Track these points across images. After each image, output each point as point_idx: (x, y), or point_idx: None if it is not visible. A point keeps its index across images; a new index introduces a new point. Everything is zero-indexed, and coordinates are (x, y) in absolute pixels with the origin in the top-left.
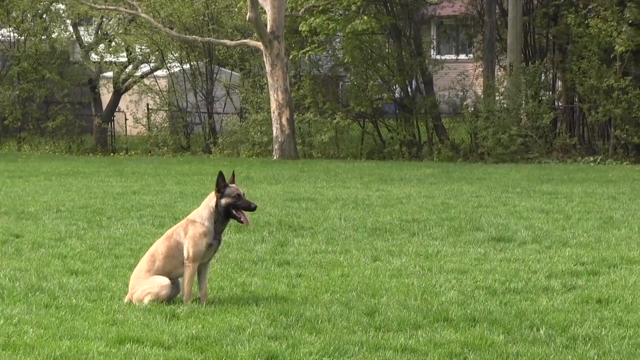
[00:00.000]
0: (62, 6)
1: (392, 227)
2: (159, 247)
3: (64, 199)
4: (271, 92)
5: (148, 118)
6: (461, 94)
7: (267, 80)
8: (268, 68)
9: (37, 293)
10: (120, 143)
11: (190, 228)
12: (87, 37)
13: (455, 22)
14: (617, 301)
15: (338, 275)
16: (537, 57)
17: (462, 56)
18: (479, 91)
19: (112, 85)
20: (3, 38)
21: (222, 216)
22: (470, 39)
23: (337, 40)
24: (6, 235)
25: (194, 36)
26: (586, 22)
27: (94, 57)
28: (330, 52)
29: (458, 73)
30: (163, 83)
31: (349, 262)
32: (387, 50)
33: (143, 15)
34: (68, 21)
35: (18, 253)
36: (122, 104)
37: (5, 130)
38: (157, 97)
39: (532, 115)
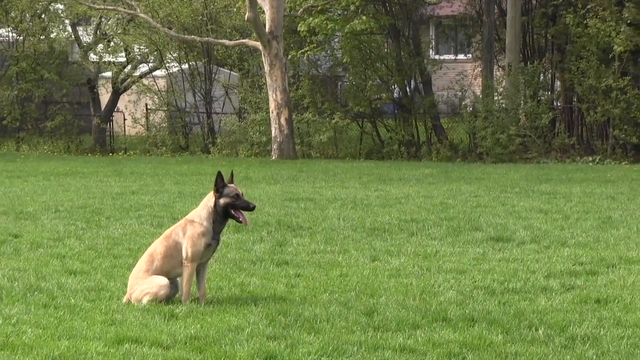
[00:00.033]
0: (60, 6)
1: (391, 227)
2: (157, 247)
3: (62, 199)
4: (270, 92)
5: (147, 118)
6: (460, 94)
7: (265, 80)
8: (267, 68)
9: (36, 293)
10: (118, 143)
11: (189, 228)
12: (86, 37)
13: (454, 22)
14: (616, 301)
15: (337, 275)
16: (536, 57)
17: (461, 56)
18: (478, 91)
19: (110, 85)
20: (1, 38)
21: (221, 216)
22: (469, 39)
23: (336, 40)
24: (5, 235)
25: (192, 36)
26: (585, 22)
27: (92, 57)
28: (328, 52)
29: (457, 73)
30: (162, 83)
31: (348, 262)
32: (385, 50)
33: (142, 15)
34: (67, 21)
35: (17, 253)
36: (121, 104)
37: (4, 130)
38: (155, 97)
39: (531, 115)
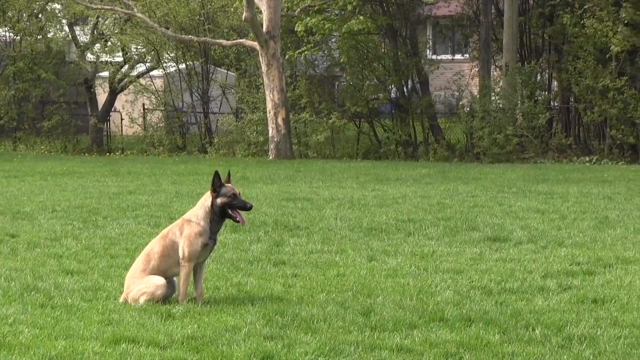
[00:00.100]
0: (57, 6)
1: (388, 227)
2: (154, 246)
3: (59, 199)
4: (267, 92)
5: (144, 118)
6: (457, 94)
7: (263, 80)
8: (264, 68)
9: (33, 293)
10: (116, 143)
11: (186, 227)
12: (83, 36)
13: (451, 22)
14: (613, 301)
15: (334, 275)
16: (533, 57)
17: (458, 56)
18: (475, 91)
19: (107, 85)
20: None
21: (218, 216)
22: (466, 39)
23: (333, 40)
24: (2, 235)
25: (189, 36)
26: (582, 22)
27: (89, 56)
28: (326, 52)
29: (454, 73)
30: (159, 83)
31: (345, 262)
32: (383, 50)
33: (139, 15)
34: (64, 21)
35: (13, 253)
36: (118, 103)
37: (1, 130)
38: (153, 97)
39: (528, 115)
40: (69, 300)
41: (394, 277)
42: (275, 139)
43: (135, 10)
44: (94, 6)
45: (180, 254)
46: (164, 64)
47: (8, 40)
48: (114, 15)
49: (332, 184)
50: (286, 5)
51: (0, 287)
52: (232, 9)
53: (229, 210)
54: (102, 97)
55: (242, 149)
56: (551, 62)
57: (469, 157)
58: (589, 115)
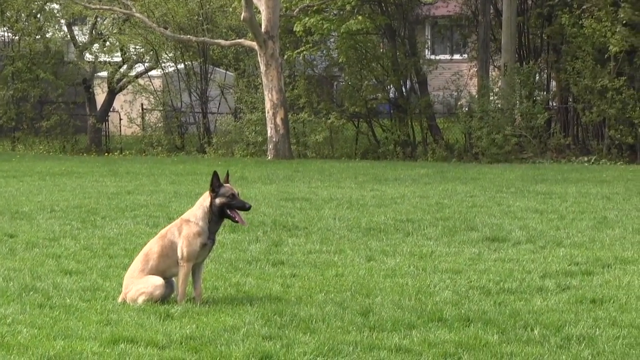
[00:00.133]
0: (56, 6)
1: (387, 227)
2: (153, 246)
3: (58, 199)
4: (265, 92)
5: (142, 118)
6: (455, 94)
7: (261, 80)
8: (262, 68)
9: (31, 293)
10: (114, 143)
11: (185, 228)
12: (82, 36)
13: (450, 22)
14: (611, 301)
15: (332, 275)
16: (532, 57)
17: (457, 56)
18: (474, 91)
19: (106, 85)
20: None
21: (217, 216)
22: (465, 39)
23: (332, 40)
24: (0, 235)
25: (188, 36)
26: (580, 22)
27: (88, 56)
28: (324, 52)
29: (452, 73)
30: (157, 83)
31: (343, 262)
32: (381, 50)
33: (137, 15)
34: (62, 21)
35: (12, 253)
36: (117, 103)
37: (0, 130)
38: (151, 97)
39: (527, 115)
40: (68, 300)
41: (393, 277)
42: (274, 139)
43: (134, 10)
44: (93, 6)
45: (179, 254)
46: (163, 64)
47: (6, 40)
48: (112, 15)
49: (331, 184)
50: (285, 5)
51: None
52: (230, 9)
53: (228, 211)
54: (100, 97)
55: (240, 149)
56: (550, 62)
57: (468, 157)
58: (587, 116)
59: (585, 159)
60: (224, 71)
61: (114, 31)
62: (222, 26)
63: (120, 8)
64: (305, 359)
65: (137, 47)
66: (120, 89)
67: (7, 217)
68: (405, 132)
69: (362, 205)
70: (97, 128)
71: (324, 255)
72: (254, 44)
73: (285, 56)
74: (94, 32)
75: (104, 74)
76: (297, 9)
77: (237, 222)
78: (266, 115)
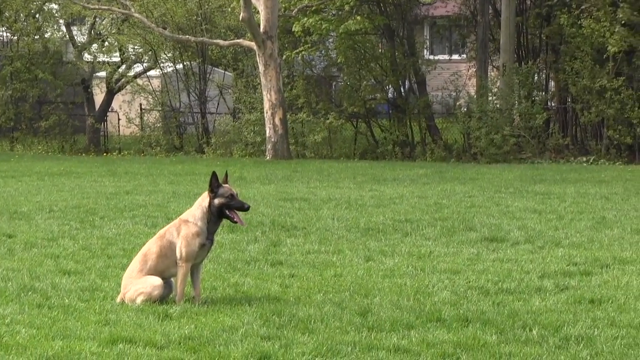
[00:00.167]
0: (55, 6)
1: (385, 227)
2: (151, 247)
3: (56, 199)
4: (264, 92)
5: (141, 118)
6: (454, 94)
7: (260, 80)
8: (261, 68)
9: (30, 293)
10: (113, 143)
11: (183, 228)
12: (80, 37)
13: (449, 23)
14: (610, 301)
15: (331, 275)
16: (530, 58)
17: (455, 56)
18: (472, 91)
19: (105, 85)
20: None
21: (215, 216)
22: (464, 39)
23: (330, 40)
24: None
25: (187, 36)
26: (579, 22)
27: (87, 57)
28: (323, 52)
29: (451, 73)
30: (156, 83)
31: (342, 262)
32: (380, 50)
33: (136, 15)
34: (61, 21)
35: (11, 253)
36: (115, 103)
37: None
38: (150, 97)
39: (525, 115)
40: (66, 300)
41: (391, 277)
42: (273, 139)
43: (133, 10)
44: (91, 6)
45: (178, 255)
46: (161, 64)
47: (5, 40)
48: (111, 16)
49: (330, 184)
50: (283, 5)
51: None
52: (229, 9)
53: (227, 211)
54: (99, 97)
55: (239, 149)
56: (548, 63)
57: (466, 157)
58: (586, 116)
59: (584, 159)
60: (223, 71)
61: (113, 31)
62: (221, 26)
63: (119, 8)
64: (303, 359)
65: (136, 47)
66: (119, 89)
67: (5, 217)
68: (404, 132)
69: (361, 205)
70: (96, 128)
71: (322, 255)
72: (253, 44)
73: (284, 56)
74: (92, 32)
75: (103, 74)
76: (296, 9)
77: (235, 222)
78: (265, 115)
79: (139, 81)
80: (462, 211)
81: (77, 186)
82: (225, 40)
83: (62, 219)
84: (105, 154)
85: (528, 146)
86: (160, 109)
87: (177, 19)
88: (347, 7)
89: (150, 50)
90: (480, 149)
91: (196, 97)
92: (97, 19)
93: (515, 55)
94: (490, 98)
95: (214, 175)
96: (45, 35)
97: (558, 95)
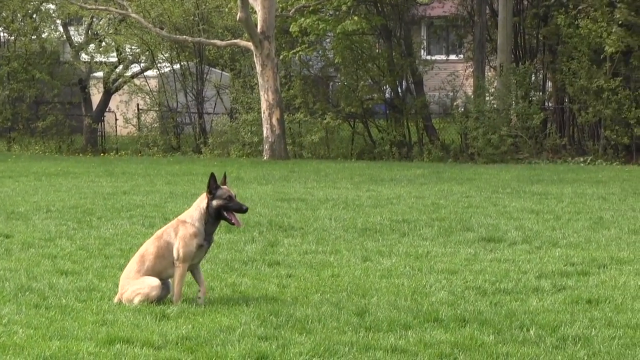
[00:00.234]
0: (52, 6)
1: (383, 228)
2: (149, 247)
3: (54, 199)
4: (261, 93)
5: (138, 118)
6: (451, 94)
7: (257, 81)
8: (258, 68)
9: (27, 293)
10: (110, 143)
11: (181, 228)
12: (77, 37)
13: (446, 23)
14: (607, 301)
15: (328, 275)
16: (527, 58)
17: (453, 57)
18: (469, 91)
19: (102, 85)
20: None
21: (213, 217)
22: (461, 39)
23: (328, 40)
24: None
25: (184, 36)
26: (576, 22)
27: (84, 57)
28: (320, 52)
29: (448, 73)
30: (153, 83)
31: (339, 262)
32: (377, 50)
33: (133, 15)
34: (58, 21)
35: (8, 253)
36: (112, 104)
37: None
38: (147, 97)
39: (522, 115)
40: (64, 300)
41: (389, 277)
42: (270, 140)
43: (130, 10)
44: (89, 6)
45: (175, 255)
46: (159, 65)
47: (2, 40)
48: (108, 16)
49: (327, 184)
50: (280, 5)
51: None
52: (226, 10)
53: (225, 213)
54: (96, 97)
55: (236, 150)
56: (545, 63)
57: (464, 157)
58: (583, 116)
59: (581, 159)
60: (220, 71)
61: (110, 31)
62: (218, 26)
63: (116, 8)
64: (301, 359)
65: (133, 47)
66: (116, 89)
67: (2, 217)
68: (401, 133)
69: (358, 205)
70: (93, 128)
71: (319, 255)
72: (250, 45)
73: (281, 56)
74: (89, 32)
75: (100, 74)
76: (293, 9)
77: (233, 224)
78: (262, 115)
79: (136, 81)
80: (460, 211)
81: (74, 186)
82: (222, 40)
83: (59, 219)
84: (102, 154)
85: (525, 146)
86: (157, 109)
87: (174, 19)
88: (344, 8)
89: (148, 50)
90: (478, 149)
91: (193, 98)
92: (95, 19)
93: (513, 56)
94: (487, 98)
95: (212, 176)
96: (43, 36)
97: (555, 95)
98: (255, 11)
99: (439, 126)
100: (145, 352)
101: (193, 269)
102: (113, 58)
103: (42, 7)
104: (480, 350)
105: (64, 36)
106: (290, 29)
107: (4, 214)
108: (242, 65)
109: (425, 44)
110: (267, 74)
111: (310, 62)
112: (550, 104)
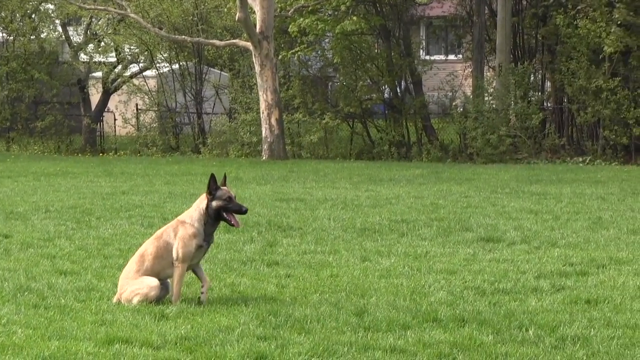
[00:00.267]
0: (51, 6)
1: (381, 228)
2: (148, 247)
3: (52, 199)
4: (260, 93)
5: (137, 118)
6: (450, 94)
7: (256, 81)
8: (257, 68)
9: (26, 293)
10: (109, 143)
11: (180, 229)
12: (76, 37)
13: (445, 23)
14: (606, 302)
15: (327, 275)
16: (526, 58)
17: (451, 57)
18: (468, 92)
19: (101, 85)
20: None
21: (213, 218)
22: (460, 39)
23: (327, 40)
24: None
25: (183, 36)
26: (575, 22)
27: (83, 57)
28: (319, 52)
29: (447, 73)
30: (152, 83)
31: (338, 262)
32: (376, 50)
33: (132, 15)
34: (57, 21)
35: (7, 253)
36: (111, 104)
37: None
38: (146, 97)
39: (521, 115)
40: (63, 300)
41: (388, 277)
42: (269, 140)
43: (129, 10)
44: (87, 6)
45: (174, 255)
46: (157, 65)
47: (1, 40)
48: (107, 16)
49: (326, 184)
50: (279, 5)
51: None
52: (225, 10)
53: (224, 214)
54: (95, 97)
55: (235, 150)
56: (544, 63)
57: (462, 157)
58: (582, 116)
59: (580, 159)
60: (219, 71)
61: (109, 31)
62: (217, 26)
63: (115, 8)
64: (300, 359)
65: (132, 47)
66: (115, 89)
67: (1, 217)
68: (400, 133)
69: (357, 205)
70: (92, 128)
71: (318, 255)
72: (249, 45)
73: (280, 56)
74: (88, 32)
75: (99, 74)
76: (292, 10)
77: (233, 225)
78: (261, 115)
79: (135, 81)
80: (459, 211)
81: (73, 186)
82: (221, 40)
83: (58, 219)
84: (101, 154)
85: (524, 146)
86: (156, 109)
87: (173, 19)
88: (343, 8)
89: (147, 50)
90: (477, 149)
91: (192, 98)
92: (93, 19)
93: (511, 56)
94: (486, 98)
95: (212, 177)
96: (42, 36)
97: (554, 95)
98: (254, 11)
99: (437, 126)
100: (144, 352)
101: (194, 268)
102: (112, 58)
103: (41, 7)
104: (479, 350)
105: (63, 36)
106: (289, 29)
107: (3, 214)
108: (241, 65)
109: (424, 44)
110: (266, 74)
111: (309, 62)
112: (549, 104)
